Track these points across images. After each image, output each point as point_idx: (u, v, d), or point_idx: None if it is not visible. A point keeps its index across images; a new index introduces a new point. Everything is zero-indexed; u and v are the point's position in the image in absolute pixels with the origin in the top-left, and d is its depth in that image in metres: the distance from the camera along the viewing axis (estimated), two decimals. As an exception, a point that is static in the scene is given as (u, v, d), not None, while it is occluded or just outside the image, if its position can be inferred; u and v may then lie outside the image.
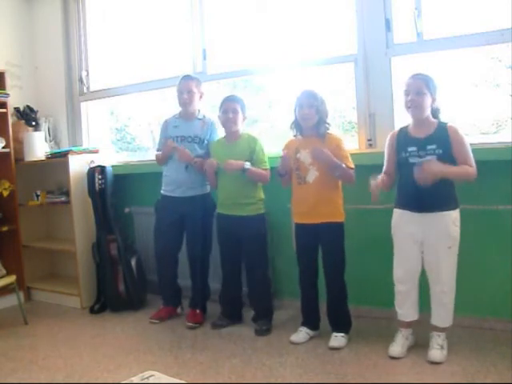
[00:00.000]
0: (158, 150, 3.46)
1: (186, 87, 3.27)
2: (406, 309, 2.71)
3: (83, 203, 3.86)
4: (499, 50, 3.11)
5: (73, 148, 4.03)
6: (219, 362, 2.72)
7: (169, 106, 4.32)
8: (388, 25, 3.08)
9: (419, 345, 2.71)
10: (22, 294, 3.83)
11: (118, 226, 3.80)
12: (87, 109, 4.42)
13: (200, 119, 3.33)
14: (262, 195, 3.15)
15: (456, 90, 3.28)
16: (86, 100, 4.39)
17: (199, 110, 3.37)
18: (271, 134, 4.16)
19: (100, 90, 4.34)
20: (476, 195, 2.87)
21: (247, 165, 3.02)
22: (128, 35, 4.18)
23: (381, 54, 3.10)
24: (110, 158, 4.17)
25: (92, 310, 3.74)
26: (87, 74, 4.39)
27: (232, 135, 3.16)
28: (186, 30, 3.85)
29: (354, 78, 3.22)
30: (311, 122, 2.86)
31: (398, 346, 2.66)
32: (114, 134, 4.95)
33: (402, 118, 3.16)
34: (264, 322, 3.10)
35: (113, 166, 3.94)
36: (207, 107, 4.01)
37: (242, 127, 3.19)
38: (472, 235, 2.89)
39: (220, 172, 3.16)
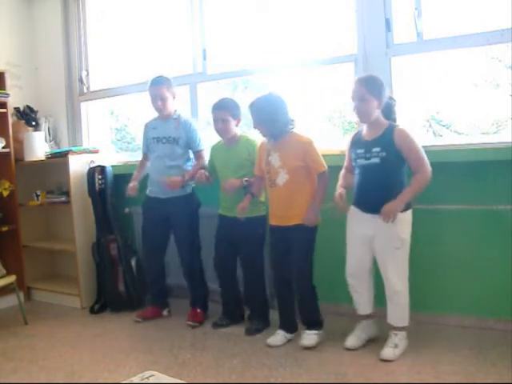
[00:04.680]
0: (144, 153, 3.52)
1: (159, 93, 3.28)
2: (361, 302, 2.80)
3: (83, 203, 3.86)
4: (499, 49, 3.11)
5: (73, 148, 4.03)
6: (219, 362, 2.72)
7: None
8: (388, 25, 3.08)
9: (418, 345, 2.72)
10: (22, 294, 3.82)
11: (117, 226, 3.79)
12: (87, 109, 4.42)
13: (175, 119, 3.34)
14: (261, 198, 3.14)
15: (456, 89, 3.28)
16: (86, 100, 4.39)
17: (176, 110, 3.39)
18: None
19: (100, 90, 4.34)
20: (476, 195, 2.87)
21: (245, 181, 3.03)
22: (128, 35, 4.18)
23: (381, 54, 3.10)
24: (110, 157, 4.17)
25: (92, 310, 3.73)
26: (87, 74, 4.39)
27: (229, 140, 3.16)
28: (186, 30, 3.85)
29: (354, 78, 3.22)
30: (263, 133, 2.89)
31: (354, 338, 2.76)
32: (114, 133, 4.95)
33: (402, 118, 3.17)
34: (256, 322, 3.11)
35: (113, 166, 3.94)
36: (207, 108, 4.01)
37: (238, 129, 3.17)
38: (472, 235, 2.89)
39: (220, 175, 3.19)
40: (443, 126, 3.64)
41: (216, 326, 3.23)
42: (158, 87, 3.27)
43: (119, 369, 2.72)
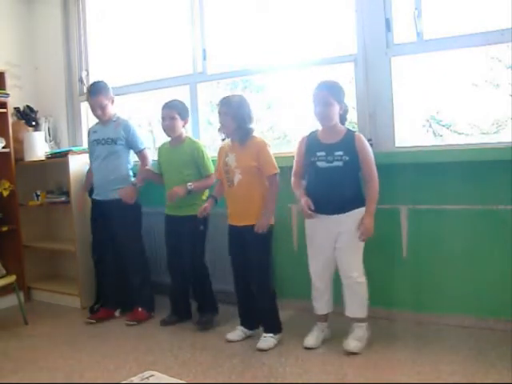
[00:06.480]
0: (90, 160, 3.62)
1: (97, 103, 3.42)
2: (323, 303, 2.86)
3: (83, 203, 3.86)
4: (499, 50, 3.11)
5: (73, 148, 4.03)
6: (219, 362, 2.72)
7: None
8: (388, 25, 3.08)
9: (418, 345, 2.72)
10: (22, 294, 3.82)
11: (117, 226, 3.80)
12: (87, 109, 4.40)
13: (114, 121, 3.48)
14: (203, 196, 3.22)
15: (456, 89, 3.28)
16: (86, 100, 4.37)
17: (115, 114, 3.51)
18: (271, 135, 4.15)
19: (100, 90, 4.33)
20: (476, 195, 2.87)
21: (190, 186, 3.11)
22: (128, 35, 4.17)
23: (381, 54, 3.10)
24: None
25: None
26: (87, 74, 4.39)
27: (175, 140, 3.26)
28: (186, 30, 3.84)
29: (353, 78, 3.22)
30: (228, 130, 2.91)
31: (312, 337, 2.82)
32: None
33: (402, 118, 3.18)
34: (206, 315, 3.20)
35: (113, 166, 3.94)
36: (207, 107, 4.02)
37: (185, 130, 3.28)
38: (472, 235, 2.89)
39: (165, 175, 3.30)
40: (443, 126, 3.63)
41: (164, 323, 3.30)
42: (96, 98, 3.42)
43: (119, 369, 2.72)
